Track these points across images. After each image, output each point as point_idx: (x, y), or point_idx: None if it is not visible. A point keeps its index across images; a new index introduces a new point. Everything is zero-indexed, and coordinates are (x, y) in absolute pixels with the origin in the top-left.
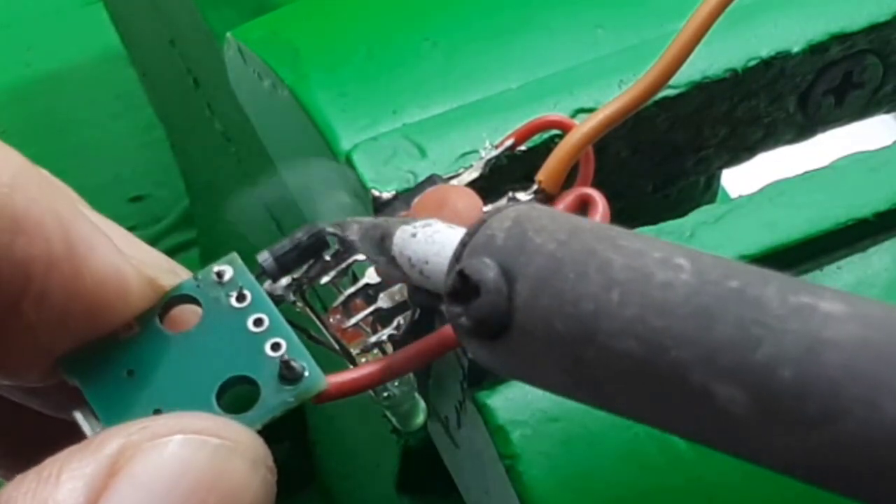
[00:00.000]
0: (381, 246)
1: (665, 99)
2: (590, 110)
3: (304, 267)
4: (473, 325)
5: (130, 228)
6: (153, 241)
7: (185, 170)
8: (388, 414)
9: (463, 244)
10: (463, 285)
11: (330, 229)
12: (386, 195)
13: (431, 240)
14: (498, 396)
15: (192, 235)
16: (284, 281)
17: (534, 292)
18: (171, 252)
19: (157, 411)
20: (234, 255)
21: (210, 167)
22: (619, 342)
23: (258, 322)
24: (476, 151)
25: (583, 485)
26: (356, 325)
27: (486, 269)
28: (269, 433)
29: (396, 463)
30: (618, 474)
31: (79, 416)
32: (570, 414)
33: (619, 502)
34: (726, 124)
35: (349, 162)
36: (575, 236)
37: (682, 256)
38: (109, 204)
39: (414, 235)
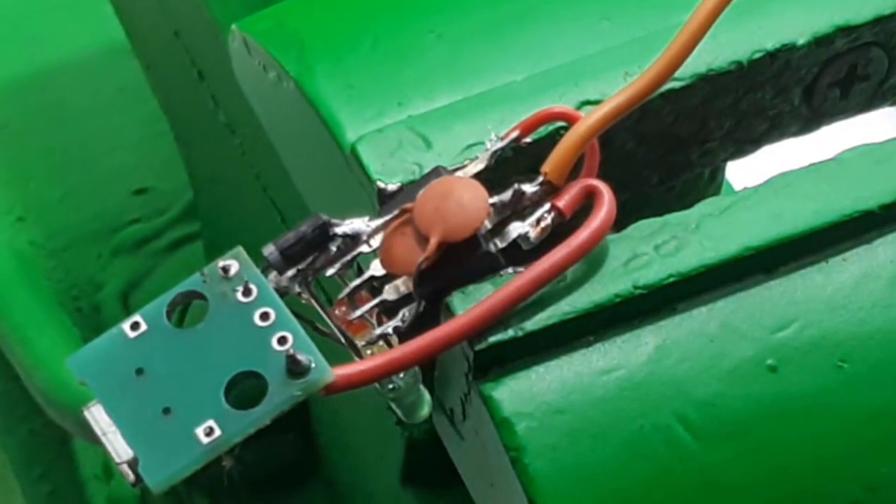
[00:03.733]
0: None
1: (670, 91)
2: (595, 102)
3: (309, 259)
4: None
5: (134, 221)
6: (157, 234)
7: (189, 162)
8: (393, 406)
9: None
10: None
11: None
12: (391, 187)
13: None
14: (503, 388)
15: (197, 228)
16: (290, 273)
17: None
18: (176, 245)
19: (166, 410)
20: (240, 249)
21: (214, 159)
22: None
23: (264, 316)
24: (481, 143)
25: (588, 477)
26: (361, 316)
27: None
28: (273, 425)
29: (401, 455)
30: (623, 467)
31: (89, 416)
32: (575, 406)
33: (623, 495)
34: (731, 116)
35: (354, 154)
36: None
37: None
38: (113, 196)
39: None
